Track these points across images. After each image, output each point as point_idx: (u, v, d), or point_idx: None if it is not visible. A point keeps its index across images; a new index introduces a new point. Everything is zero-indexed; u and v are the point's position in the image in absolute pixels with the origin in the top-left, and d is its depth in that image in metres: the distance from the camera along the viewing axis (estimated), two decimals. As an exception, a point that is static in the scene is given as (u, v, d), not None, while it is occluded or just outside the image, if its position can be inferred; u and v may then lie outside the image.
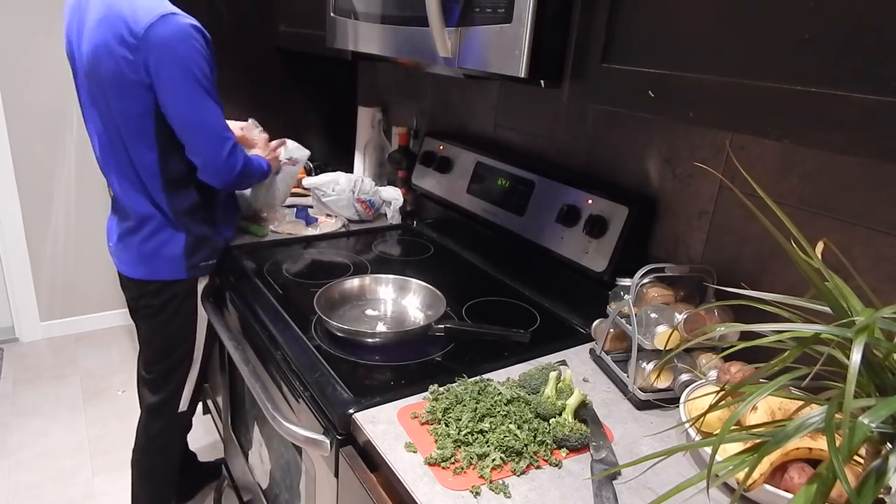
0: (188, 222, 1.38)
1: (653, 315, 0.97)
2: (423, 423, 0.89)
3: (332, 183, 1.74)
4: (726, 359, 0.93)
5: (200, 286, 1.47)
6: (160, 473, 1.64)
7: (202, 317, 1.49)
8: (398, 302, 1.27)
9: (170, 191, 1.34)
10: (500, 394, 0.93)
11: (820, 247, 0.59)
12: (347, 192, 1.73)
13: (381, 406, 0.93)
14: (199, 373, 1.57)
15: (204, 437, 2.24)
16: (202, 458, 2.02)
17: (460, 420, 0.87)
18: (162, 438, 1.60)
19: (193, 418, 1.70)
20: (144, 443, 1.60)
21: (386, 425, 0.89)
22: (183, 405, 1.58)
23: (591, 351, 1.13)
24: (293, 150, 1.66)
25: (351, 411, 0.92)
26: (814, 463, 0.77)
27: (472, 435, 0.85)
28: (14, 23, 2.37)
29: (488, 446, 0.83)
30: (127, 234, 1.40)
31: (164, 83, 1.20)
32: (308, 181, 1.78)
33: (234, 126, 1.56)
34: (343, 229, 1.71)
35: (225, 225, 1.49)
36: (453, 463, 0.82)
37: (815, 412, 0.47)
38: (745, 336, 0.60)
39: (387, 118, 2.04)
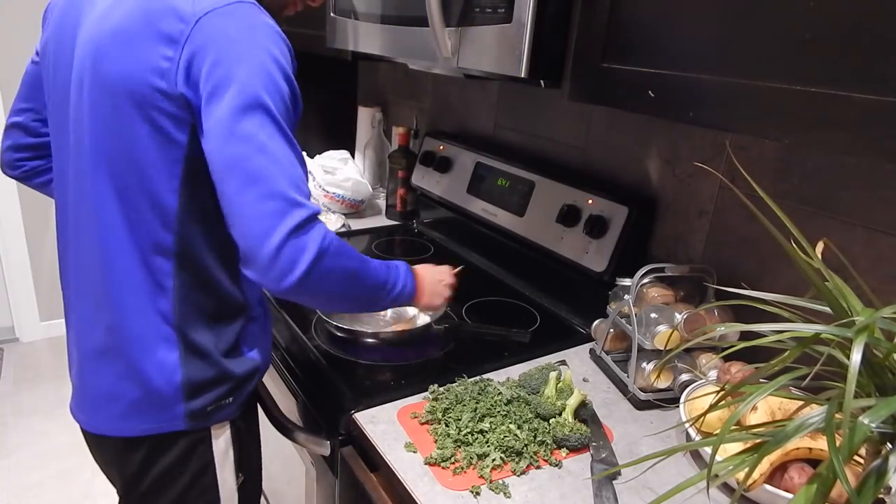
0: (190, 331, 0.85)
1: (653, 315, 0.97)
2: (423, 423, 0.89)
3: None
4: (726, 359, 0.93)
5: (220, 445, 0.93)
6: None
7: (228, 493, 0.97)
8: (398, 302, 1.27)
9: (182, 277, 0.83)
10: (500, 394, 0.93)
11: (820, 247, 0.59)
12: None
13: (381, 406, 0.93)
14: None
15: (204, 437, 2.24)
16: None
17: (460, 420, 0.87)
18: None
19: None
20: None
21: (386, 425, 0.89)
22: None
23: (591, 351, 1.13)
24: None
25: (351, 411, 0.92)
26: (814, 463, 0.77)
27: (472, 435, 0.85)
28: (14, 23, 2.37)
29: (488, 446, 0.83)
30: (92, 357, 0.87)
31: (219, 104, 0.73)
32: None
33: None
34: (343, 229, 1.71)
35: (252, 342, 0.93)
36: (453, 463, 0.82)
37: (815, 412, 0.47)
38: (745, 336, 0.60)
39: (387, 118, 2.04)
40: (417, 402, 0.95)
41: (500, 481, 0.79)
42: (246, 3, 0.76)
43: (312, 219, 0.75)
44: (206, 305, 0.86)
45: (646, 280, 1.01)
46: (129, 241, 0.81)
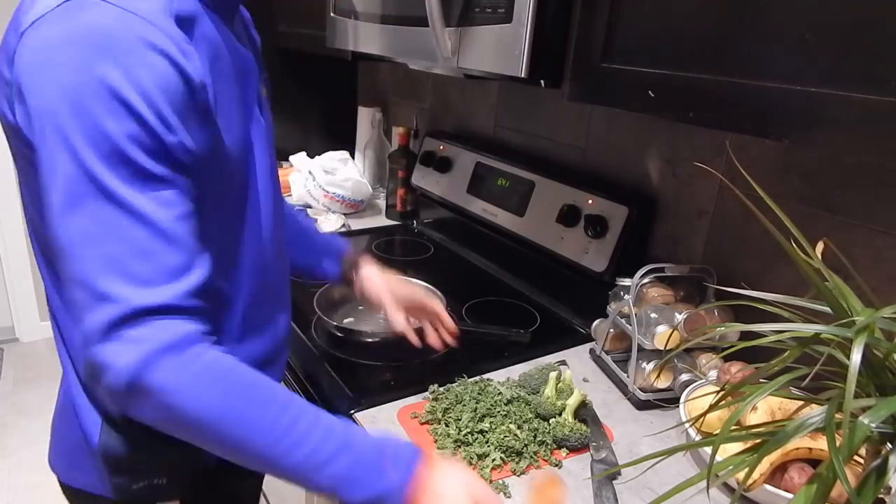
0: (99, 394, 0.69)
1: (653, 315, 0.97)
2: (423, 423, 0.89)
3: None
4: (726, 359, 0.93)
5: None
6: None
7: None
8: (398, 302, 1.27)
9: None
10: (500, 394, 0.93)
11: (820, 247, 0.59)
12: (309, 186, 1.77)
13: (381, 406, 0.93)
14: None
15: (204, 437, 2.24)
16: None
17: (460, 420, 0.87)
18: None
19: None
20: None
21: (386, 425, 0.89)
22: None
23: (591, 351, 1.13)
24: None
25: (351, 411, 0.92)
26: (814, 463, 0.77)
27: (472, 435, 0.85)
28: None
29: (488, 446, 0.83)
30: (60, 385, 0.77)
31: (39, 149, 0.56)
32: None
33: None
34: (343, 229, 1.71)
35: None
36: (453, 463, 0.82)
37: (815, 412, 0.47)
38: (745, 336, 0.60)
39: (387, 118, 2.04)
40: (417, 402, 0.95)
41: (500, 481, 0.79)
42: (84, 2, 0.54)
43: (135, 318, 0.53)
44: None
45: (646, 280, 1.01)
46: (49, 279, 0.70)
